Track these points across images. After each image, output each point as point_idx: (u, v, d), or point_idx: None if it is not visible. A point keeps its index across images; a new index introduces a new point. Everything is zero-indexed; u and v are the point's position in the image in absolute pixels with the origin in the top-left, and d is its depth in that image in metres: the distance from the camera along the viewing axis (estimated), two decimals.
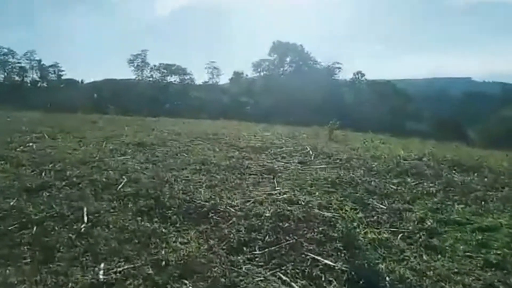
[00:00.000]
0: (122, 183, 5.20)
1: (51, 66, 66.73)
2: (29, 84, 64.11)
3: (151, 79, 70.97)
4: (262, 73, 68.86)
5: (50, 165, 6.11)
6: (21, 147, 7.40)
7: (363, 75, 69.60)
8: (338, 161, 6.93)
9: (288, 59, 67.70)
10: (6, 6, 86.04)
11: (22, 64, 64.24)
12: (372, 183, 5.59)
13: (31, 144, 7.78)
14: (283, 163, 6.72)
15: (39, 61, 65.47)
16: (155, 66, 70.34)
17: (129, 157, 6.86)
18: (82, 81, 69.97)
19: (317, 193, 5.05)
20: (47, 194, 4.82)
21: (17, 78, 64.14)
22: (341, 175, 5.92)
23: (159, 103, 59.15)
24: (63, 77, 67.91)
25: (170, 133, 9.93)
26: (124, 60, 68.54)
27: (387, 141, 9.97)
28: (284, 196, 4.86)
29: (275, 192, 5.05)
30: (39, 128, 9.86)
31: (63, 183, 5.26)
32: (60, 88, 63.84)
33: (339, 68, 67.28)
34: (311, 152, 7.66)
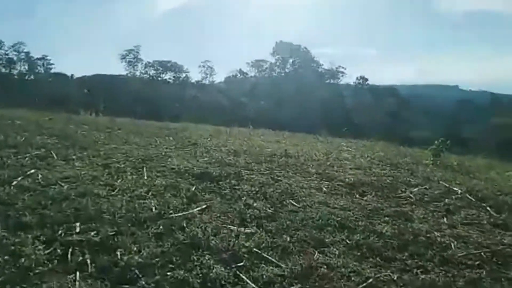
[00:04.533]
0: None
1: (39, 58, 62.61)
2: (16, 77, 60.01)
3: (145, 75, 67.49)
4: (262, 74, 65.98)
5: (78, 230, 3.30)
6: (18, 179, 4.54)
7: (366, 80, 67.48)
8: None
9: (291, 61, 64.88)
10: None
11: (10, 56, 60.12)
12: None
13: (33, 171, 4.92)
14: (465, 230, 3.98)
15: (27, 53, 61.37)
16: (149, 62, 66.78)
17: (204, 205, 4.06)
18: (72, 76, 65.93)
19: None
20: None
21: (3, 70, 59.95)
22: None
23: (154, 101, 55.90)
24: (52, 71, 63.95)
25: (224, 152, 7.16)
26: (116, 55, 64.66)
27: None
28: None
29: None
30: (39, 139, 6.98)
31: None
32: (49, 82, 59.95)
33: (343, 72, 64.75)
34: (459, 193, 4.98)
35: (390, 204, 4.51)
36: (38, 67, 63.95)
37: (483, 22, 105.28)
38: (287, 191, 4.71)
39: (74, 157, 5.87)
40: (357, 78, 65.82)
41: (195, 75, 71.76)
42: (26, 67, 62.13)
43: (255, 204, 4.19)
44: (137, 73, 67.29)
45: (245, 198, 4.36)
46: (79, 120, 11.30)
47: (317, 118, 42.92)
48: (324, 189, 5.05)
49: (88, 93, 55.54)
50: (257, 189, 4.71)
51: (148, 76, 67.61)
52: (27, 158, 5.57)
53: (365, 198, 4.78)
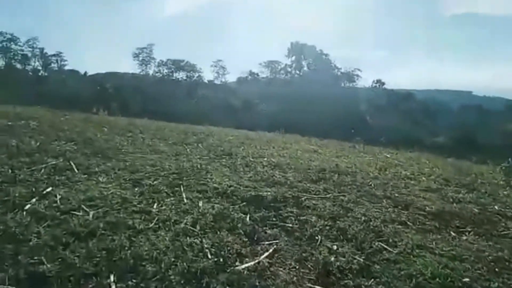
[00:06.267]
0: None
1: (53, 55, 62.61)
2: (30, 73, 59.99)
3: (158, 74, 67.01)
4: (276, 75, 64.90)
5: None
6: (32, 201, 3.62)
7: (383, 83, 66.05)
8: None
9: (305, 62, 63.75)
10: None
11: (25, 52, 60.06)
12: None
13: (50, 189, 4.00)
14: None
15: (42, 49, 61.35)
16: (162, 61, 66.24)
17: (270, 248, 3.09)
18: (85, 73, 65.79)
19: None
20: None
21: (18, 65, 59.96)
22: None
23: (166, 100, 55.22)
24: (65, 68, 63.83)
25: (266, 165, 6.22)
26: (129, 54, 64.34)
27: None
28: None
29: None
30: (56, 145, 6.10)
31: None
32: (62, 79, 59.75)
33: (358, 75, 63.42)
34: None
35: (510, 251, 3.47)
36: (52, 64, 63.87)
37: (500, 26, 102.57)
38: (368, 227, 3.70)
39: (97, 169, 4.96)
40: (373, 82, 64.48)
41: (207, 75, 71.13)
42: (41, 63, 62.10)
43: (335, 248, 3.19)
44: (150, 71, 66.94)
45: (319, 237, 3.37)
46: (96, 120, 10.47)
47: (340, 122, 41.77)
48: (409, 223, 4.03)
49: (101, 90, 55.12)
50: (329, 223, 3.71)
51: (161, 75, 67.17)
52: (42, 170, 4.67)
53: (466, 238, 3.75)
